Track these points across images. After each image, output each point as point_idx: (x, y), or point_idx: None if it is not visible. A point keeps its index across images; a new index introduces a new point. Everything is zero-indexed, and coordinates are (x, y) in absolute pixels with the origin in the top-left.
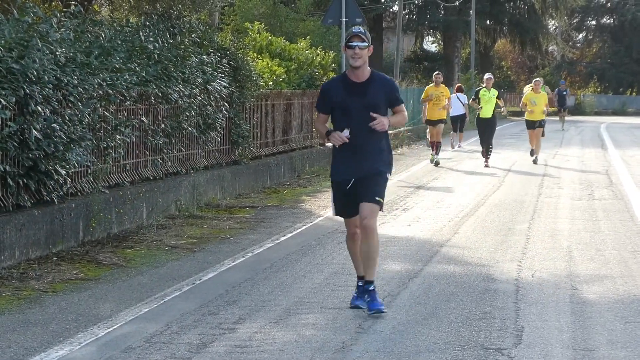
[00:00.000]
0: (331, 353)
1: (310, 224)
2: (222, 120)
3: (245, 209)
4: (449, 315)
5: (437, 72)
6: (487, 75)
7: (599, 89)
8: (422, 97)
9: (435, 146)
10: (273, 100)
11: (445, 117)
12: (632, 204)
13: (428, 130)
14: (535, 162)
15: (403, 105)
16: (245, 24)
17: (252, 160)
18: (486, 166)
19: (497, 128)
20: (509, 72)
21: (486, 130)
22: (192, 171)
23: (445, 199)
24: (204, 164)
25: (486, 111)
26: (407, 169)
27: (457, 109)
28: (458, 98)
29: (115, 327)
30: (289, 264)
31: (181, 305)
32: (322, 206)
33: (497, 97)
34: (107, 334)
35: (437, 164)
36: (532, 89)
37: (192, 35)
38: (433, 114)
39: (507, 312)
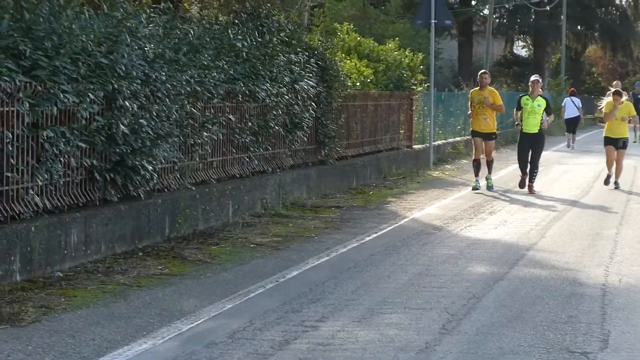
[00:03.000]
0: (414, 353)
1: (396, 225)
2: (309, 119)
3: (331, 208)
4: (534, 318)
5: (482, 71)
6: (533, 78)
7: None
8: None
9: (487, 166)
10: (360, 101)
11: (495, 130)
12: None
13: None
14: (616, 186)
15: None
16: (335, 24)
17: (338, 161)
18: (531, 192)
19: (584, 135)
20: (600, 79)
21: (528, 149)
22: (278, 170)
23: (532, 203)
24: (290, 163)
25: (529, 124)
26: (495, 173)
27: (572, 112)
28: (572, 101)
29: (199, 322)
30: (373, 264)
31: (265, 302)
32: (407, 208)
33: (546, 108)
34: (190, 329)
35: (489, 188)
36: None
37: (281, 34)
38: (478, 124)
39: (593, 316)
